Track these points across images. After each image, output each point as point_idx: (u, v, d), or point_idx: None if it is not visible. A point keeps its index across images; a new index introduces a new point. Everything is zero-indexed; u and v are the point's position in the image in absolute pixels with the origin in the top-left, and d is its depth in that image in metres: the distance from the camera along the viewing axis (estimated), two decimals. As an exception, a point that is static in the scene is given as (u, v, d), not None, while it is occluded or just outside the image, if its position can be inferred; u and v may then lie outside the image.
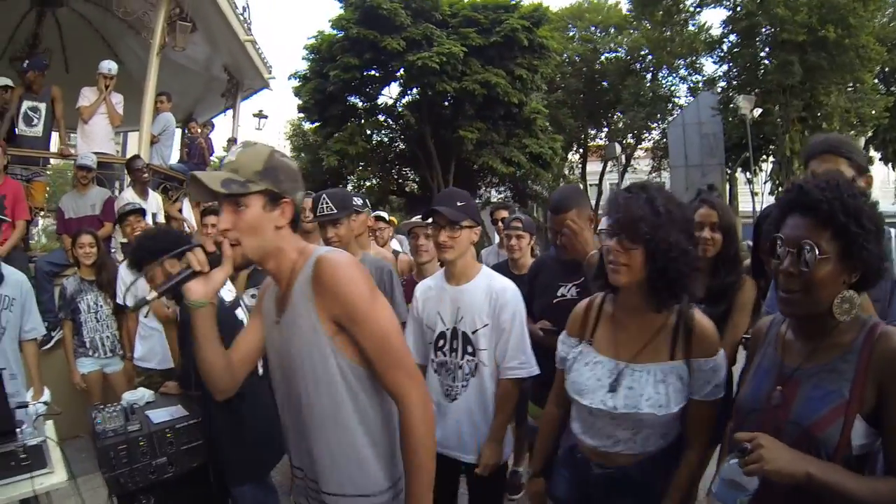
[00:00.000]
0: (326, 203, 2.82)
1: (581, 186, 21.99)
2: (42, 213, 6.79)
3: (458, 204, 2.30)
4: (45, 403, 2.88)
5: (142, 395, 2.81)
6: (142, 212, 4.56)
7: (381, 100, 19.63)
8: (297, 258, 1.50)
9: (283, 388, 1.57)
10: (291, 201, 1.48)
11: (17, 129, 5.98)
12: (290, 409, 1.56)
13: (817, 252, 1.23)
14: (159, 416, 2.61)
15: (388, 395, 1.49)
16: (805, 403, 1.30)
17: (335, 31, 17.93)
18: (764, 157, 20.65)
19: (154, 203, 5.84)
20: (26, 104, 5.97)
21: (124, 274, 3.98)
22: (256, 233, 1.43)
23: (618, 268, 1.62)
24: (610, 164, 26.93)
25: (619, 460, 1.72)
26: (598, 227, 2.72)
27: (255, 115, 16.09)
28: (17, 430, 2.32)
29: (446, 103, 18.18)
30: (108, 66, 6.28)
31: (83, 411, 3.75)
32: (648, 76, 25.32)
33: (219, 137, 9.92)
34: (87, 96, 6.14)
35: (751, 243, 3.58)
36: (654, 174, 27.20)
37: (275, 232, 1.46)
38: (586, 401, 1.71)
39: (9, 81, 6.19)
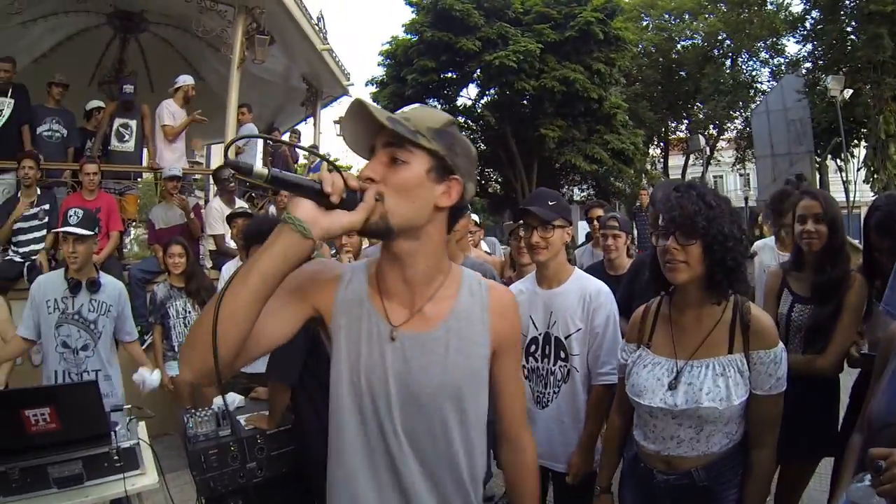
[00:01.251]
0: None
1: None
2: (134, 224, 7.19)
3: (550, 203, 2.23)
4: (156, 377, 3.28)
5: (232, 399, 2.85)
6: (249, 214, 4.80)
7: (460, 101, 20.04)
8: (450, 270, 1.26)
9: (398, 423, 1.17)
10: (461, 184, 1.17)
11: (110, 146, 6.39)
12: (416, 450, 1.18)
13: None
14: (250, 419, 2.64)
15: None
16: None
17: (409, 36, 18.40)
18: (856, 141, 19.33)
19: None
20: (118, 122, 6.39)
21: (225, 274, 4.10)
22: (410, 198, 1.11)
23: (676, 265, 1.63)
24: (692, 156, 26.01)
25: (682, 465, 1.68)
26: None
27: (335, 122, 16.57)
28: (112, 432, 2.40)
29: (525, 102, 18.26)
30: (185, 79, 6.61)
31: (170, 411, 3.88)
32: (728, 62, 24.34)
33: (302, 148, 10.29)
34: (170, 111, 6.43)
35: (853, 241, 3.30)
36: (738, 165, 26.12)
37: (432, 211, 1.15)
38: (646, 401, 1.71)
39: (100, 103, 6.69)
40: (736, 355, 1.65)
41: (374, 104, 1.10)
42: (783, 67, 22.10)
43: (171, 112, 6.36)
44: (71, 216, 3.14)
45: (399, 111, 1.16)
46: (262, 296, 1.02)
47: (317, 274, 1.23)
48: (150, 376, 3.34)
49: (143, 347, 4.78)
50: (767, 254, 3.39)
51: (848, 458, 1.47)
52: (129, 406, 2.78)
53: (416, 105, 1.22)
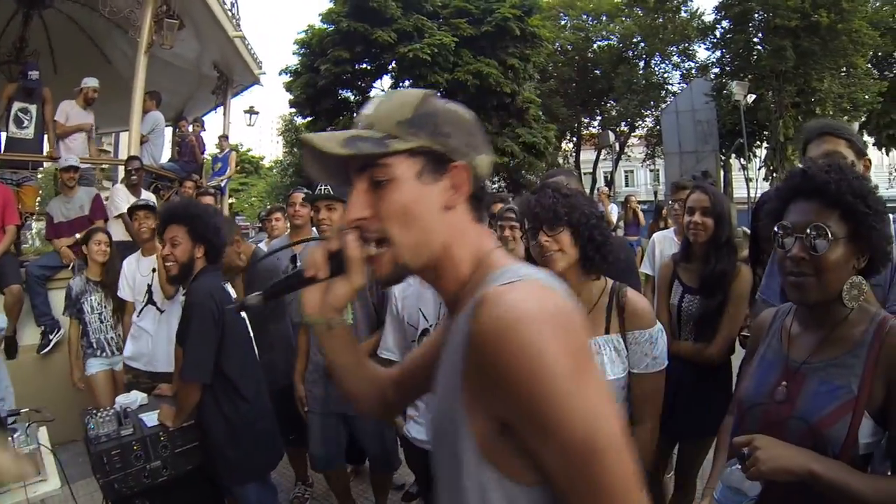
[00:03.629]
0: (326, 185, 2.73)
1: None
2: (34, 217, 6.73)
3: None
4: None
5: (135, 398, 2.78)
6: (153, 209, 4.18)
7: (373, 93, 19.57)
8: (472, 270, 0.89)
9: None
10: (467, 166, 0.88)
11: (7, 132, 5.95)
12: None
13: (828, 234, 1.20)
14: (152, 419, 2.58)
15: None
16: (811, 399, 1.26)
17: (325, 25, 17.97)
18: (758, 143, 20.73)
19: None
20: (16, 106, 5.93)
21: (127, 269, 3.94)
22: (413, 220, 0.85)
23: (552, 255, 1.75)
24: (604, 152, 26.93)
25: None
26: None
27: (246, 112, 15.99)
28: (10, 438, 2.30)
29: (438, 94, 18.11)
30: (87, 81, 6.27)
31: (77, 416, 3.74)
32: (641, 63, 25.32)
33: (210, 135, 9.85)
34: (66, 111, 6.11)
35: (747, 230, 3.56)
36: (647, 161, 27.25)
37: (441, 217, 0.87)
38: None
39: None
40: (612, 335, 1.78)
41: (324, 133, 0.89)
42: (693, 71, 23.31)
43: (66, 112, 6.07)
44: None
45: (363, 112, 0.91)
46: (356, 376, 1.08)
47: None
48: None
49: (49, 348, 4.62)
50: (667, 244, 3.53)
51: (721, 438, 1.56)
52: (28, 410, 2.65)
53: (382, 94, 0.96)
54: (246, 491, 2.51)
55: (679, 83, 24.26)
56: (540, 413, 0.71)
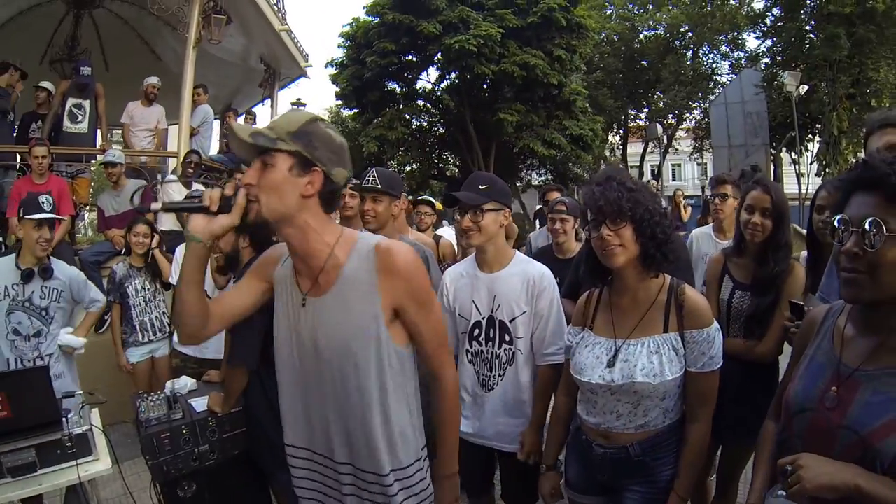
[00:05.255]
0: (374, 177, 2.76)
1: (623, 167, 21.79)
2: (87, 208, 7.00)
3: (481, 187, 2.25)
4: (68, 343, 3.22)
5: (184, 383, 2.85)
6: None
7: (419, 84, 19.80)
8: (336, 242, 1.48)
9: (312, 369, 1.52)
10: (323, 172, 1.42)
11: (63, 127, 6.19)
12: (323, 391, 1.52)
13: (884, 230, 1.12)
14: (201, 404, 2.64)
15: (414, 373, 1.58)
16: (863, 408, 1.18)
17: (370, 18, 18.08)
18: (810, 136, 19.95)
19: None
20: (71, 102, 6.19)
21: (178, 257, 4.06)
22: (278, 194, 1.38)
23: (613, 250, 1.72)
24: (651, 144, 26.39)
25: (620, 439, 1.79)
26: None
27: (292, 104, 16.28)
28: (64, 419, 2.39)
29: (485, 86, 18.13)
30: (147, 80, 6.64)
31: (126, 399, 3.88)
32: (689, 54, 24.65)
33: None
34: (130, 112, 6.48)
35: (798, 227, 3.41)
36: (695, 155, 26.59)
37: (300, 200, 1.41)
38: (587, 378, 1.81)
39: (49, 85, 6.49)
40: (671, 334, 1.74)
41: (245, 126, 1.47)
42: (742, 61, 22.60)
43: (130, 112, 6.52)
44: (43, 202, 3.13)
45: (271, 120, 1.50)
46: (196, 288, 1.45)
47: (267, 257, 1.65)
48: (74, 340, 3.28)
49: (104, 328, 4.77)
50: (705, 241, 3.46)
51: (762, 446, 1.50)
52: (82, 392, 2.76)
53: (287, 111, 1.51)
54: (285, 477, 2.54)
55: (728, 74, 23.62)
56: (422, 296, 1.49)
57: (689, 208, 10.07)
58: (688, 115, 25.89)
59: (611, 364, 1.76)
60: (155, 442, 2.39)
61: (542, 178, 21.02)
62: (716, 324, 1.77)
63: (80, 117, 6.22)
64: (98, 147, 6.52)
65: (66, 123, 6.17)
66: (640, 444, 1.77)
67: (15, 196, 4.88)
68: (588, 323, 1.92)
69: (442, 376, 1.59)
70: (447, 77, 19.03)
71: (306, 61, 9.19)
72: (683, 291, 1.78)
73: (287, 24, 8.16)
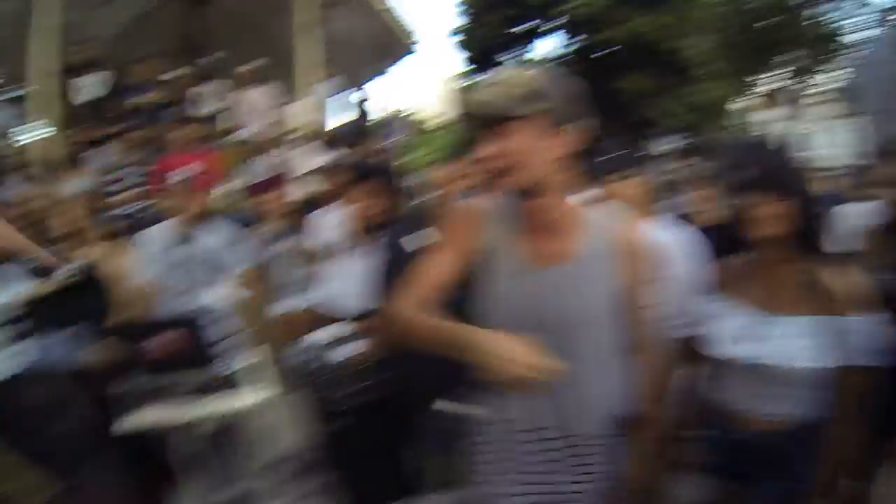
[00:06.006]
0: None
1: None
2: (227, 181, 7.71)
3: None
4: None
5: (343, 330, 3.04)
6: (338, 168, 4.79)
7: (538, 51, 19.59)
8: (577, 209, 1.45)
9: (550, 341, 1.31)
10: (572, 130, 1.34)
11: (191, 113, 6.91)
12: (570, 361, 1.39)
13: None
14: (351, 350, 2.80)
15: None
16: None
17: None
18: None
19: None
20: (191, 91, 7.00)
21: (317, 221, 4.32)
22: (528, 163, 1.30)
23: (764, 221, 1.60)
24: (778, 112, 24.49)
25: (764, 426, 1.64)
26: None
27: (407, 78, 16.84)
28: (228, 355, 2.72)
29: (605, 52, 17.73)
30: (252, 64, 7.24)
31: (284, 342, 4.22)
32: (808, 13, 22.40)
33: (373, 103, 10.57)
34: (244, 98, 7.06)
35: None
36: (826, 122, 24.44)
37: (550, 164, 1.33)
38: (728, 352, 1.66)
39: (176, 73, 7.23)
40: (827, 318, 1.58)
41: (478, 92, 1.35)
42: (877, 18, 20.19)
43: (244, 99, 7.11)
44: None
45: (488, 80, 1.37)
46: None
47: (460, 223, 1.49)
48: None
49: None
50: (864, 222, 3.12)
51: None
52: (244, 331, 3.07)
53: (503, 71, 1.38)
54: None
55: (862, 31, 21.19)
56: (653, 275, 1.50)
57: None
58: (811, 78, 23.65)
59: (758, 339, 1.62)
60: (314, 380, 2.64)
61: (670, 146, 20.20)
62: (874, 313, 1.60)
63: (204, 105, 6.95)
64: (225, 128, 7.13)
65: (190, 111, 6.90)
66: (778, 434, 1.63)
67: (165, 170, 5.47)
68: (732, 293, 1.75)
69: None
70: (570, 43, 18.73)
71: (418, 36, 9.52)
72: (835, 274, 1.62)
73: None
